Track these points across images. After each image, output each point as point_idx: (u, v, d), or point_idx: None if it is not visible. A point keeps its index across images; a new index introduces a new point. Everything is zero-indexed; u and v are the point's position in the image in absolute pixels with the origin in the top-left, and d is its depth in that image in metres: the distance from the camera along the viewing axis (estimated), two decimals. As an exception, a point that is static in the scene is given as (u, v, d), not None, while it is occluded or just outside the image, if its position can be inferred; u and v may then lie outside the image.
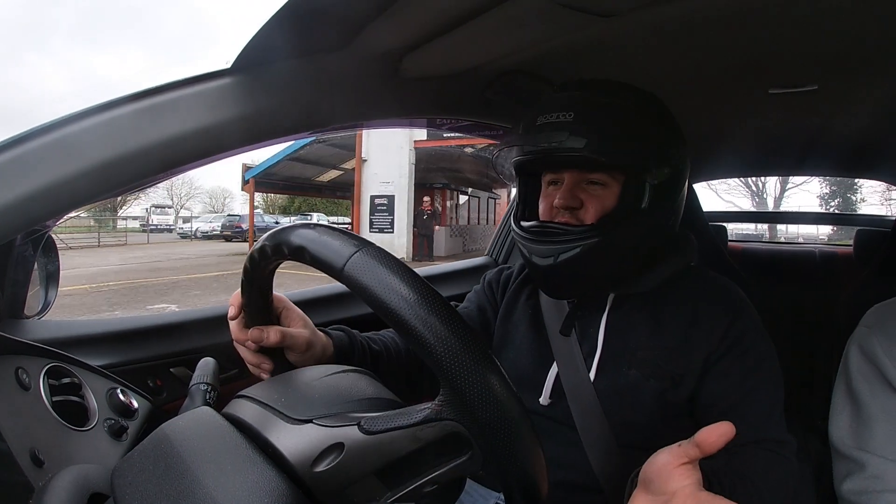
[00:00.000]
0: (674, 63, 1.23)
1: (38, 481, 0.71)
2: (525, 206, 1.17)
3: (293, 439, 0.61)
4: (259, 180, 19.16)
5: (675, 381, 1.01)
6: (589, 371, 1.05)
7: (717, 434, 0.66)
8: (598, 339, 1.07)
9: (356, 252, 0.59)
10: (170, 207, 44.97)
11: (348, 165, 19.02)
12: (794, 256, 2.40)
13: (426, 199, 17.76)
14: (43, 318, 1.20)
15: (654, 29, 1.04)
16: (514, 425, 0.56)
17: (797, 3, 0.95)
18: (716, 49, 1.15)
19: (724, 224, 2.46)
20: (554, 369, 1.09)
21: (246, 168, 18.90)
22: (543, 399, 1.09)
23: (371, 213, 17.21)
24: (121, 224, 34.86)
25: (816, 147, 2.03)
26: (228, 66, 0.87)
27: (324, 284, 1.56)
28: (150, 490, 0.57)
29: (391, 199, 16.86)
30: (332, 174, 21.54)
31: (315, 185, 23.18)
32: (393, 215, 16.87)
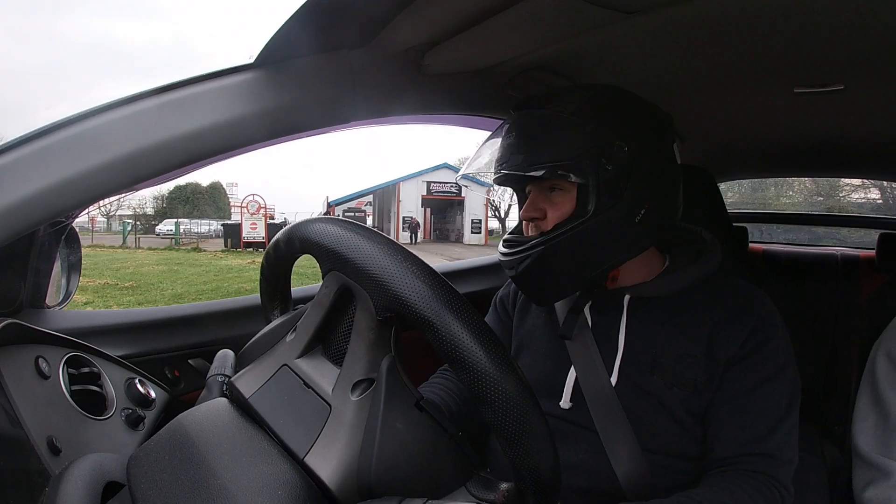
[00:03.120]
0: (697, 61, 1.21)
1: (55, 469, 0.72)
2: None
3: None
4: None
5: (698, 389, 0.99)
6: (610, 375, 1.04)
7: None
8: (618, 342, 1.05)
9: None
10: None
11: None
12: (816, 259, 2.35)
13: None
14: (63, 308, 1.21)
15: (678, 26, 1.02)
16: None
17: (823, 3, 0.93)
18: (740, 48, 1.13)
19: (746, 225, 2.42)
20: (573, 373, 1.08)
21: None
22: (564, 402, 1.07)
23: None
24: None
25: (843, 148, 1.99)
26: (252, 60, 0.87)
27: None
28: (166, 480, 0.58)
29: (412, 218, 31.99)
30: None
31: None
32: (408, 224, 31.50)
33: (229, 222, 25.18)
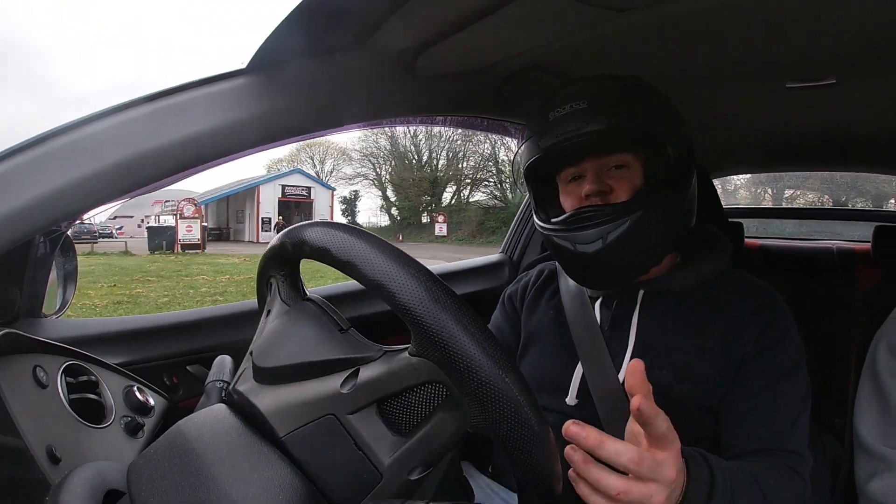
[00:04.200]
0: (690, 57, 1.22)
1: (54, 478, 0.71)
2: (546, 212, 1.13)
3: None
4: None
5: (709, 385, 0.99)
6: (618, 371, 1.03)
7: (635, 371, 0.70)
8: (629, 338, 1.05)
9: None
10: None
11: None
12: (811, 252, 2.36)
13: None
14: (60, 317, 1.21)
15: (671, 23, 1.03)
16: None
17: None
18: (732, 43, 1.13)
19: (741, 220, 2.43)
20: (580, 369, 1.07)
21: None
22: (570, 399, 1.07)
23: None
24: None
25: (836, 142, 2.00)
26: (244, 66, 0.87)
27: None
28: (166, 487, 0.58)
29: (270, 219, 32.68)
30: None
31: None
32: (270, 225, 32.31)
33: (155, 224, 25.08)
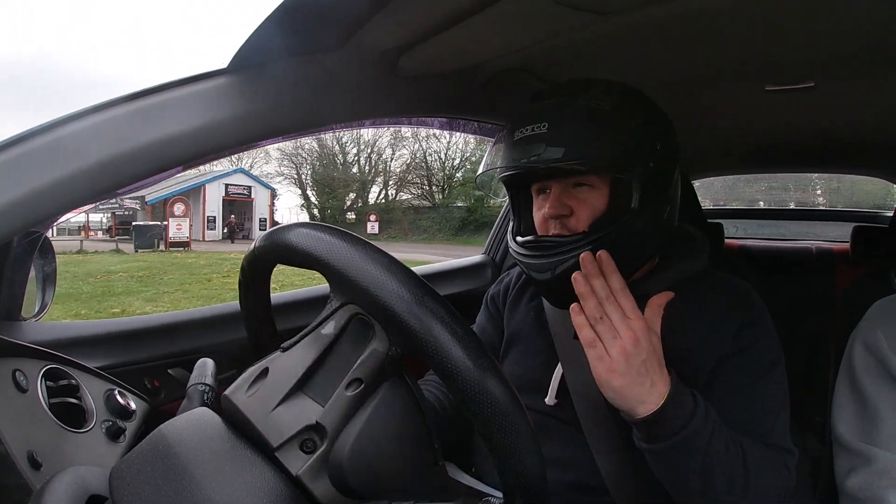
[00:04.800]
0: (670, 60, 1.23)
1: (36, 483, 0.71)
2: (520, 220, 1.15)
3: None
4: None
5: (688, 384, 0.98)
6: None
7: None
8: None
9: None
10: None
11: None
12: (791, 252, 2.40)
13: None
14: (40, 320, 1.19)
15: (651, 26, 1.04)
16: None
17: (793, 2, 0.95)
18: (712, 46, 1.14)
19: (721, 221, 2.46)
20: (559, 370, 1.09)
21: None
22: (549, 399, 1.08)
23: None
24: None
25: (814, 144, 2.03)
26: (225, 66, 0.87)
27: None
28: (149, 492, 0.57)
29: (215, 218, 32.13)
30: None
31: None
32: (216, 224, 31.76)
33: (142, 222, 25.36)
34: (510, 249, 1.11)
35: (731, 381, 1.00)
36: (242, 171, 34.96)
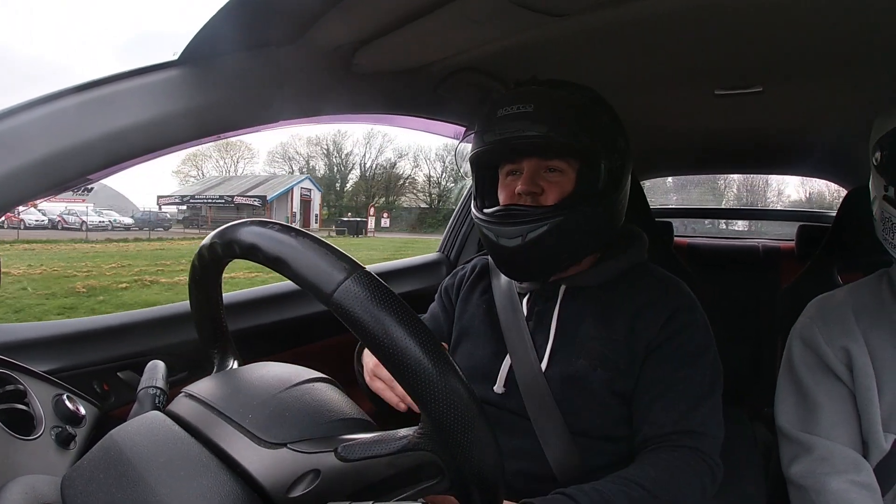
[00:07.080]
0: (622, 63, 1.26)
1: None
2: (484, 199, 1.19)
3: (267, 464, 0.60)
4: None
5: (621, 371, 1.05)
6: (541, 361, 1.09)
7: None
8: (550, 330, 1.11)
9: (347, 279, 0.56)
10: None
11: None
12: (739, 251, 2.48)
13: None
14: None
15: (604, 30, 1.07)
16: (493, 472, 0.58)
17: (742, 7, 0.99)
18: (663, 51, 1.18)
19: (671, 220, 2.52)
20: (508, 360, 1.13)
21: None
22: (497, 388, 1.12)
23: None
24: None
25: (761, 146, 2.12)
26: (176, 57, 0.85)
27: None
28: (102, 499, 0.56)
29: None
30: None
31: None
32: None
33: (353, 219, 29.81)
34: (476, 220, 1.14)
35: (659, 370, 1.05)
36: (309, 178, 39.87)
